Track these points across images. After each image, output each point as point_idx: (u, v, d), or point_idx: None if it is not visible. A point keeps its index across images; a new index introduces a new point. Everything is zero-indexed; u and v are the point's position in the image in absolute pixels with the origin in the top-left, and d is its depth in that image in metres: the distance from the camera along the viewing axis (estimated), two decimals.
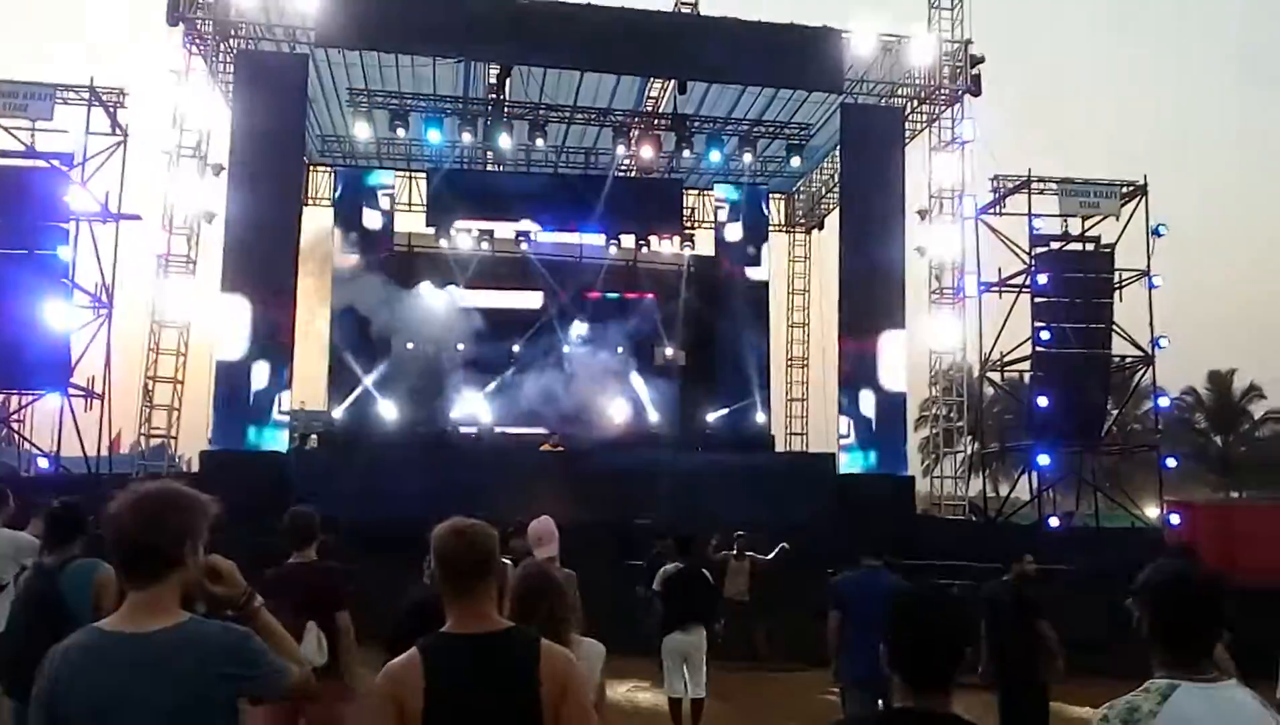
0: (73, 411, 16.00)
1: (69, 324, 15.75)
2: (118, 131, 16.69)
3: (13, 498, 6.62)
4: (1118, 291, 18.24)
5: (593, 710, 2.65)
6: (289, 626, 5.24)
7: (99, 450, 16.37)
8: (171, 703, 2.24)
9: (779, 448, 21.51)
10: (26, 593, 5.04)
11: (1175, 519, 17.49)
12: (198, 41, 16.95)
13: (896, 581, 6.88)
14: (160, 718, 2.24)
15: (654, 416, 20.54)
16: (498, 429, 20.01)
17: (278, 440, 16.10)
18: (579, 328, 21.57)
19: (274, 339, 16.10)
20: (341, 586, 5.59)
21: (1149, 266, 18.28)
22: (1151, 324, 18.39)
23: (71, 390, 15.97)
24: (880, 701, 5.76)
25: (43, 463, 15.86)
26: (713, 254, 23.01)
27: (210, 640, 2.33)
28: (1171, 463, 19.14)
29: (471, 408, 20.29)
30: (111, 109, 16.56)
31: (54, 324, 15.33)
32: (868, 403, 17.63)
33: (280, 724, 5.58)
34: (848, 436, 17.74)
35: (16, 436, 17.83)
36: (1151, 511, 19.99)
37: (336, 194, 21.98)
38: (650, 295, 22.39)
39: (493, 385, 20.86)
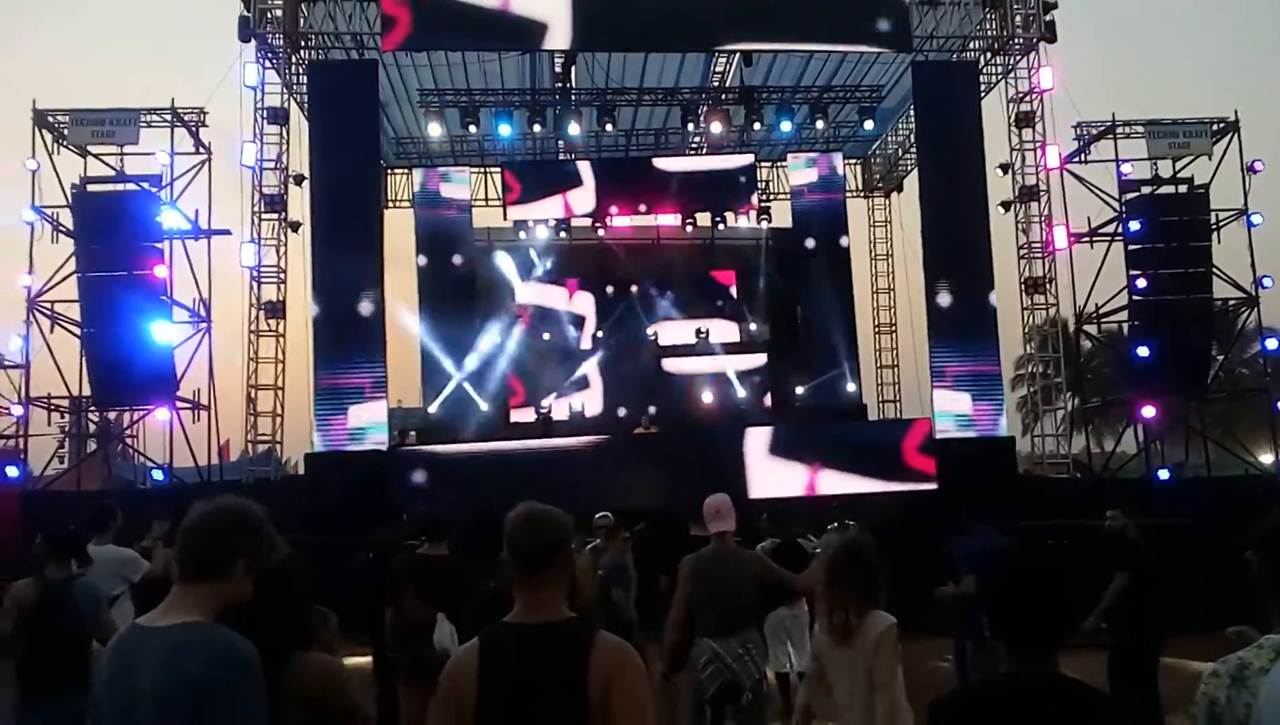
0: (181, 424, 16.59)
1: (171, 339, 16.30)
2: (201, 150, 17.19)
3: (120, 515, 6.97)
4: (1215, 233, 17.55)
5: (648, 706, 2.50)
6: (422, 611, 5.57)
7: (209, 459, 16.97)
8: (169, 693, 2.34)
9: (871, 416, 21.23)
10: (39, 603, 5.32)
11: None
12: (270, 56, 17.32)
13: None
14: (160, 703, 2.34)
15: (743, 393, 20.46)
16: (588, 415, 20.15)
17: (377, 439, 16.42)
18: (661, 309, 21.59)
19: (366, 340, 16.40)
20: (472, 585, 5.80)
21: (1246, 205, 17.62)
22: (1253, 264, 17.77)
23: (178, 403, 16.54)
24: None
25: (157, 475, 16.46)
26: (790, 225, 22.76)
27: (217, 644, 2.40)
28: None
29: (560, 396, 20.46)
30: (194, 128, 17.05)
31: (157, 340, 15.87)
32: (961, 365, 17.28)
33: (426, 709, 5.81)
34: (942, 401, 17.40)
35: (132, 451, 18.53)
36: (1266, 458, 19.25)
37: (415, 194, 22.35)
38: (730, 272, 22.30)
39: (579, 372, 21.04)
